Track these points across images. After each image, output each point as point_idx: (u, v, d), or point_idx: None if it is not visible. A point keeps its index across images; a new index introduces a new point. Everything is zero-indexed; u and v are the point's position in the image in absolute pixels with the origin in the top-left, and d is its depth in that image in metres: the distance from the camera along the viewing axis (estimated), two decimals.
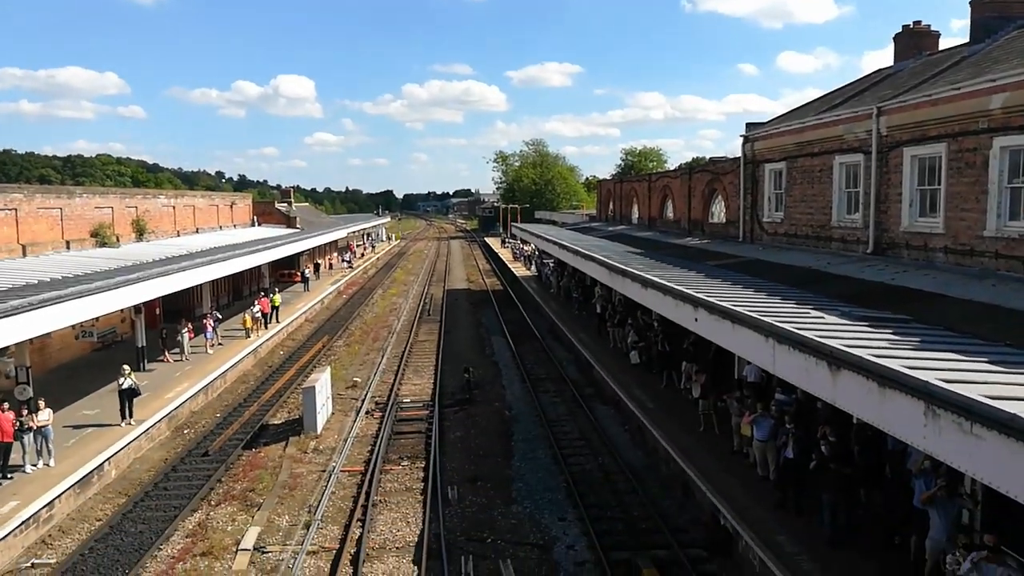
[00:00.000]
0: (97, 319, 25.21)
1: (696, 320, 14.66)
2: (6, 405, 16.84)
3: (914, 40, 22.62)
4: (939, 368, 8.55)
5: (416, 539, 14.57)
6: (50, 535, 15.10)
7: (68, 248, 28.80)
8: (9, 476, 16.38)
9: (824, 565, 11.75)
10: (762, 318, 11.78)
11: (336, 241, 66.02)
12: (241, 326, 32.77)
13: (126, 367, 20.39)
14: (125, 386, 19.96)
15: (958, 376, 8.12)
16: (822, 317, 12.38)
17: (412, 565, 13.57)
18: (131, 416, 20.11)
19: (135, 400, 20.42)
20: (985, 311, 11.99)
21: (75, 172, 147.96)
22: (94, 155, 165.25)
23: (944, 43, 22.64)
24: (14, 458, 16.70)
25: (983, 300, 12.61)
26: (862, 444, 13.17)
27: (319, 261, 57.79)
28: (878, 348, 9.71)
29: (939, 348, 9.94)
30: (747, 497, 14.38)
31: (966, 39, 20.14)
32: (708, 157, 45.10)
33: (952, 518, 10.62)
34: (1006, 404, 6.84)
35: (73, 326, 24.03)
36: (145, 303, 24.26)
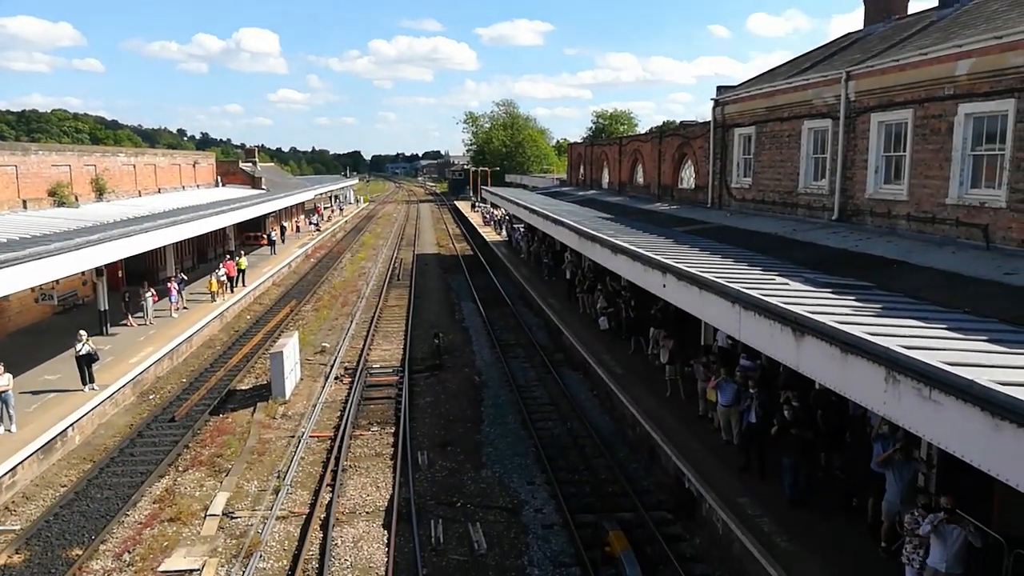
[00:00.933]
0: (57, 282, 24.69)
1: (664, 286, 14.75)
2: None
3: (884, 3, 22.61)
4: (900, 335, 8.71)
5: (386, 504, 14.65)
6: (13, 502, 14.92)
7: (25, 208, 27.98)
8: None
9: (785, 527, 12.05)
10: (728, 284, 11.89)
11: (303, 203, 65.12)
12: (207, 290, 32.29)
13: (83, 333, 19.97)
14: (83, 352, 19.58)
15: (918, 343, 8.28)
16: (787, 283, 12.54)
17: (382, 529, 13.67)
18: (92, 381, 19.80)
19: (96, 365, 20.09)
20: (945, 279, 12.23)
21: (30, 128, 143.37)
22: (49, 110, 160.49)
23: (913, 7, 22.70)
24: None
25: (943, 268, 12.84)
26: (824, 409, 13.44)
27: (284, 224, 56.75)
28: (841, 315, 9.86)
29: (900, 315, 10.14)
30: (711, 461, 14.66)
31: (935, 3, 20.17)
32: (679, 121, 45.05)
33: (907, 481, 10.93)
34: (964, 370, 7.00)
35: (32, 289, 23.56)
36: (107, 265, 23.76)
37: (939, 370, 7.14)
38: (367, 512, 14.36)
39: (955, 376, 6.94)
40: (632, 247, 17.25)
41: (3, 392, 16.77)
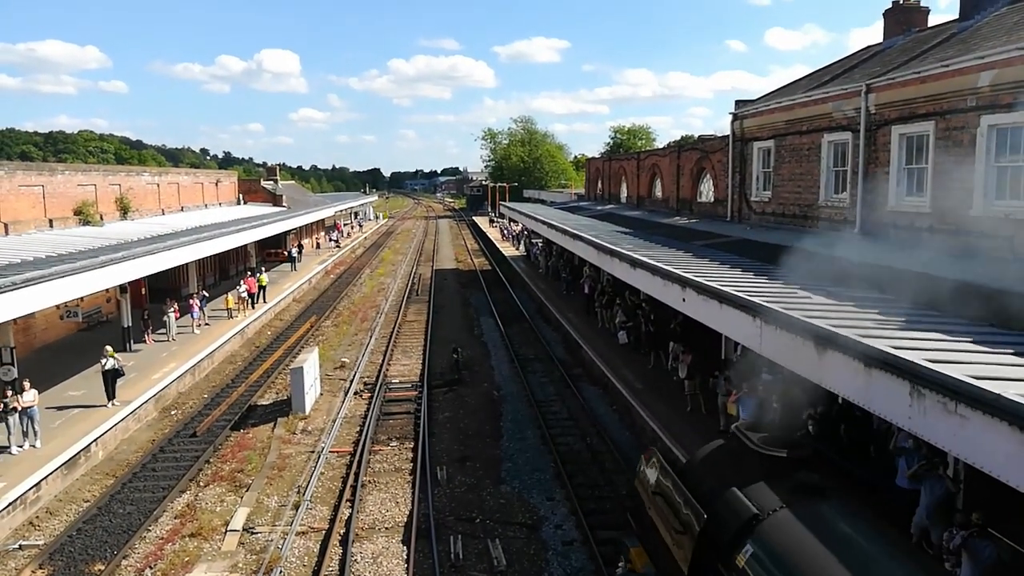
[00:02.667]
0: (82, 299, 24.98)
1: (684, 300, 14.66)
2: None
3: (904, 16, 22.51)
4: (925, 348, 8.58)
5: (405, 519, 14.62)
6: (37, 516, 15.06)
7: (51, 226, 28.45)
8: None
9: None
10: (749, 298, 11.80)
11: (323, 220, 65.60)
12: (224, 306, 32.54)
13: (108, 348, 20.24)
14: (108, 367, 19.83)
15: (943, 356, 8.15)
16: (809, 297, 12.42)
17: (401, 545, 13.63)
18: (115, 397, 20.00)
19: (120, 381, 20.31)
20: (971, 292, 12.04)
21: (57, 148, 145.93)
22: (76, 131, 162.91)
23: (933, 19, 22.58)
24: (0, 439, 16.61)
25: (968, 280, 12.64)
26: (847, 423, 13.26)
27: (302, 243, 56.76)
28: (864, 328, 9.73)
29: (925, 328, 9.98)
30: None
31: (955, 15, 20.06)
32: (697, 135, 44.96)
33: (937, 497, 10.74)
34: (990, 384, 6.86)
35: (58, 306, 23.88)
36: (131, 283, 24.06)
37: (965, 384, 7.00)
38: (386, 528, 14.34)
39: (981, 390, 6.80)
40: (651, 261, 17.18)
41: (29, 408, 16.97)
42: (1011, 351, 8.68)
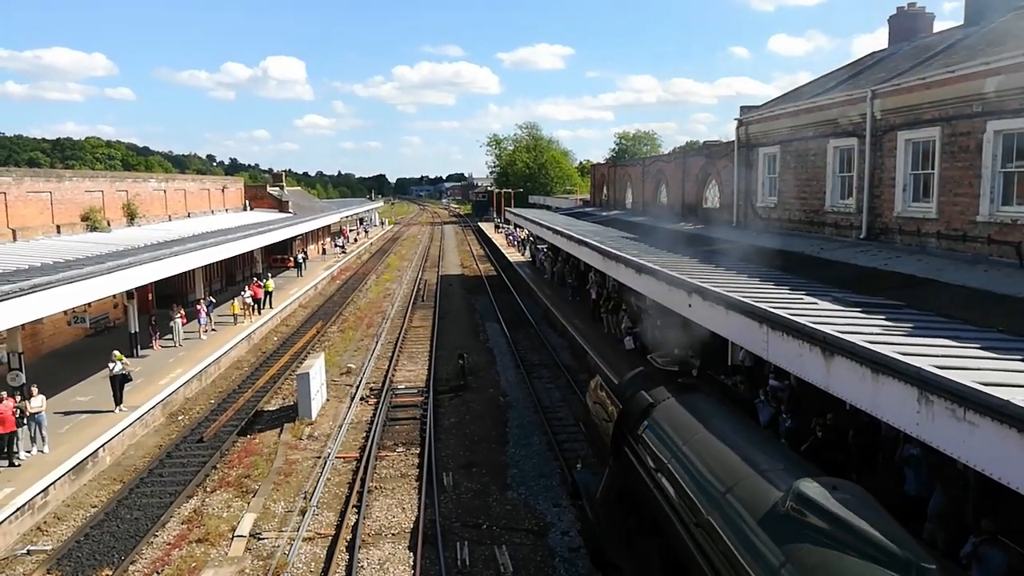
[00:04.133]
0: (89, 305, 25.11)
1: (690, 306, 14.66)
2: (3, 394, 16.77)
3: (909, 22, 22.52)
4: (932, 354, 8.57)
5: (412, 525, 14.62)
6: (45, 522, 15.11)
7: (59, 233, 28.58)
8: (16, 463, 16.41)
9: None
10: (756, 304, 11.79)
11: (329, 226, 65.74)
12: (229, 312, 32.61)
13: (116, 353, 20.32)
14: (116, 371, 19.91)
15: (951, 362, 8.13)
16: (815, 303, 12.40)
17: (408, 551, 13.63)
18: (122, 402, 20.07)
19: (127, 386, 20.38)
20: (977, 297, 12.03)
21: (64, 155, 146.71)
22: (83, 138, 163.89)
23: (938, 26, 22.58)
24: None
25: (975, 286, 12.64)
26: (856, 430, 13.23)
27: (306, 250, 55.73)
28: (871, 334, 9.72)
29: (932, 334, 9.96)
30: None
31: (959, 21, 20.09)
32: (702, 141, 44.98)
33: (941, 505, 10.69)
34: (999, 390, 6.84)
35: (65, 312, 23.96)
36: (137, 288, 24.13)
37: (973, 390, 6.99)
38: (393, 534, 14.34)
39: (990, 396, 6.79)
40: (657, 266, 17.19)
41: (36, 413, 17.05)
42: (1019, 357, 8.66)
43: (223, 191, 50.53)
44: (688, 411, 10.29)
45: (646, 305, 22.26)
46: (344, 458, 18.26)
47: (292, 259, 49.98)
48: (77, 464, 16.80)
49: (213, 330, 30.38)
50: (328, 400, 22.94)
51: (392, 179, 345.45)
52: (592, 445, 15.23)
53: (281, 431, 20.14)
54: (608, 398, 12.32)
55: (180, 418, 21.79)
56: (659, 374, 11.93)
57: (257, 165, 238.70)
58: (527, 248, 58.39)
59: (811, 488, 6.94)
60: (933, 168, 15.76)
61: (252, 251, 39.14)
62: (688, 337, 15.87)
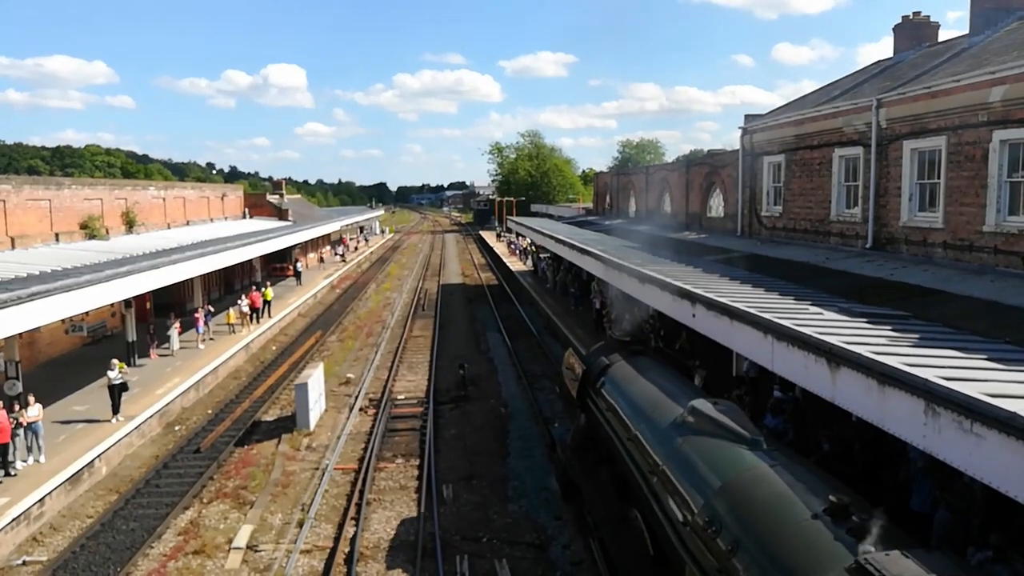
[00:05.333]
0: (87, 313, 24.96)
1: (694, 316, 14.49)
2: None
3: (914, 31, 22.44)
4: (939, 366, 8.41)
5: (411, 538, 14.41)
6: (41, 532, 14.95)
7: (57, 240, 28.51)
8: (12, 473, 16.24)
9: None
10: (760, 314, 11.63)
11: (329, 234, 65.64)
12: (225, 322, 32.44)
13: (116, 361, 20.17)
14: (115, 380, 19.75)
15: (958, 374, 7.98)
16: (821, 313, 12.24)
17: (407, 565, 13.43)
18: (119, 412, 19.90)
19: (124, 395, 20.21)
20: (984, 307, 11.87)
21: (64, 163, 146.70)
22: (83, 145, 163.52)
23: (942, 35, 22.50)
24: None
25: (982, 296, 12.49)
26: (862, 443, 13.04)
27: (298, 259, 51.57)
28: (877, 345, 9.56)
29: (939, 345, 9.80)
30: None
31: (962, 31, 20.02)
32: (706, 149, 44.95)
33: (945, 521, 10.48)
34: (1007, 402, 6.70)
35: (63, 320, 23.84)
36: (135, 297, 24.01)
37: (981, 402, 6.84)
38: (392, 547, 14.14)
39: (998, 408, 6.64)
40: (660, 276, 17.03)
41: (33, 423, 16.89)
42: None
43: (222, 199, 50.48)
44: (634, 368, 13.27)
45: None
46: (343, 469, 18.06)
47: (292, 267, 49.82)
48: (73, 474, 16.62)
49: (211, 339, 30.22)
50: (327, 410, 22.75)
51: (393, 187, 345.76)
52: (565, 402, 19.19)
53: (279, 442, 19.96)
54: (577, 363, 15.37)
55: (177, 428, 21.60)
56: (616, 343, 15.16)
57: (257, 173, 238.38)
58: (529, 257, 58.27)
59: (699, 404, 10.09)
60: (939, 178, 15.63)
61: (251, 260, 39.02)
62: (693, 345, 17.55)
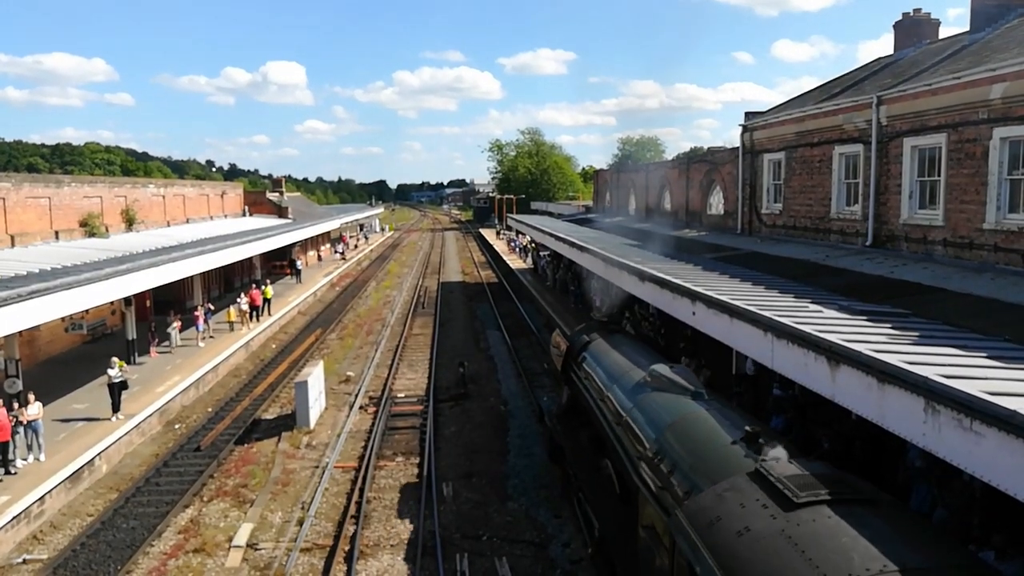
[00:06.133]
0: (87, 311, 24.97)
1: (694, 314, 14.48)
2: None
3: (914, 28, 22.37)
4: (939, 363, 8.41)
5: (411, 536, 14.43)
6: (41, 530, 14.96)
7: (57, 238, 28.50)
8: (12, 471, 16.25)
9: None
10: (760, 312, 11.62)
11: (329, 232, 65.61)
12: (225, 320, 32.43)
13: (116, 359, 20.17)
14: (115, 378, 19.75)
15: (958, 371, 7.97)
16: (821, 311, 12.23)
17: (407, 563, 13.44)
18: (119, 410, 19.90)
19: (124, 393, 20.21)
20: (984, 305, 11.86)
21: (63, 160, 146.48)
22: (82, 143, 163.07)
23: (943, 32, 22.45)
24: None
25: (982, 294, 12.47)
26: (862, 441, 13.04)
27: (299, 258, 51.11)
28: (877, 343, 9.56)
29: (939, 343, 9.80)
30: None
31: (963, 28, 19.97)
32: (706, 147, 44.88)
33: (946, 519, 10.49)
34: (1006, 400, 6.70)
35: (63, 318, 23.84)
36: (135, 295, 24.01)
37: (980, 400, 6.84)
38: (391, 545, 14.15)
39: (997, 406, 6.63)
40: (660, 274, 17.01)
41: (33, 421, 16.90)
42: None
43: (222, 196, 50.46)
44: (609, 344, 15.26)
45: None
46: (343, 467, 18.07)
47: (288, 266, 49.76)
48: (74, 473, 16.64)
49: (211, 337, 30.22)
50: (327, 408, 22.76)
51: (393, 185, 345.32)
52: (553, 376, 22.02)
53: (279, 440, 19.96)
54: (562, 340, 17.72)
55: (177, 426, 21.61)
56: (597, 323, 17.96)
57: (257, 170, 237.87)
58: (529, 255, 58.23)
59: (658, 367, 11.90)
60: (939, 175, 15.61)
61: (251, 257, 39.02)
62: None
